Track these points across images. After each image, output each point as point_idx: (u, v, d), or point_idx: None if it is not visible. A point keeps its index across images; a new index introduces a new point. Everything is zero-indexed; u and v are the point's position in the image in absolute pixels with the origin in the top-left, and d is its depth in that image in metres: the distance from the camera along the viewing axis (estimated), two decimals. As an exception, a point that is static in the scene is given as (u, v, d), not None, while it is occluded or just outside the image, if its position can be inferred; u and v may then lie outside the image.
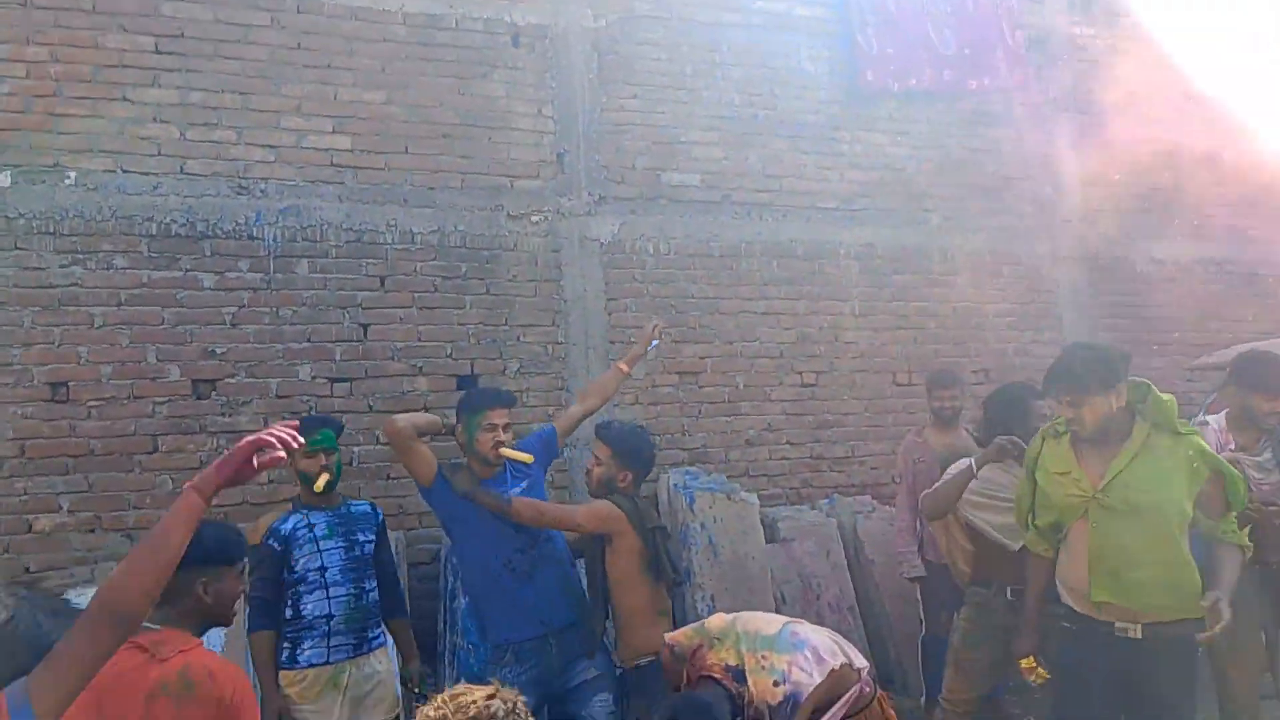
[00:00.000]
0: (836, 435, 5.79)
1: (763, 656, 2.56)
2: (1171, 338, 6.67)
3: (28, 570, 4.21)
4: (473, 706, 1.66)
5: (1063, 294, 6.54)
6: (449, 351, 5.09)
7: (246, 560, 2.33)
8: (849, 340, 5.94)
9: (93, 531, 4.36)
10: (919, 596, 4.70)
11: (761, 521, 5.16)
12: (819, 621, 4.83)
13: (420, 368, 5.01)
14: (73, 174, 4.59)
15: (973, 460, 3.51)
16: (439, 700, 1.69)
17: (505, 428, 3.46)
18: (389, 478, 4.87)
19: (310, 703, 3.19)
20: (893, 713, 2.82)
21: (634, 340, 5.28)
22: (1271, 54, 6.74)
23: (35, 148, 4.54)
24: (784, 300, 5.84)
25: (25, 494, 4.29)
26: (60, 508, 4.33)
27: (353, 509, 3.49)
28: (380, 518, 3.57)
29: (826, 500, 5.61)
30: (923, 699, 4.58)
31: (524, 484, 3.50)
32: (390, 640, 3.54)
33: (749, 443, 5.64)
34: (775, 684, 2.49)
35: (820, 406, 5.81)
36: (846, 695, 2.58)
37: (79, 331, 4.48)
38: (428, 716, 1.67)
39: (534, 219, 5.35)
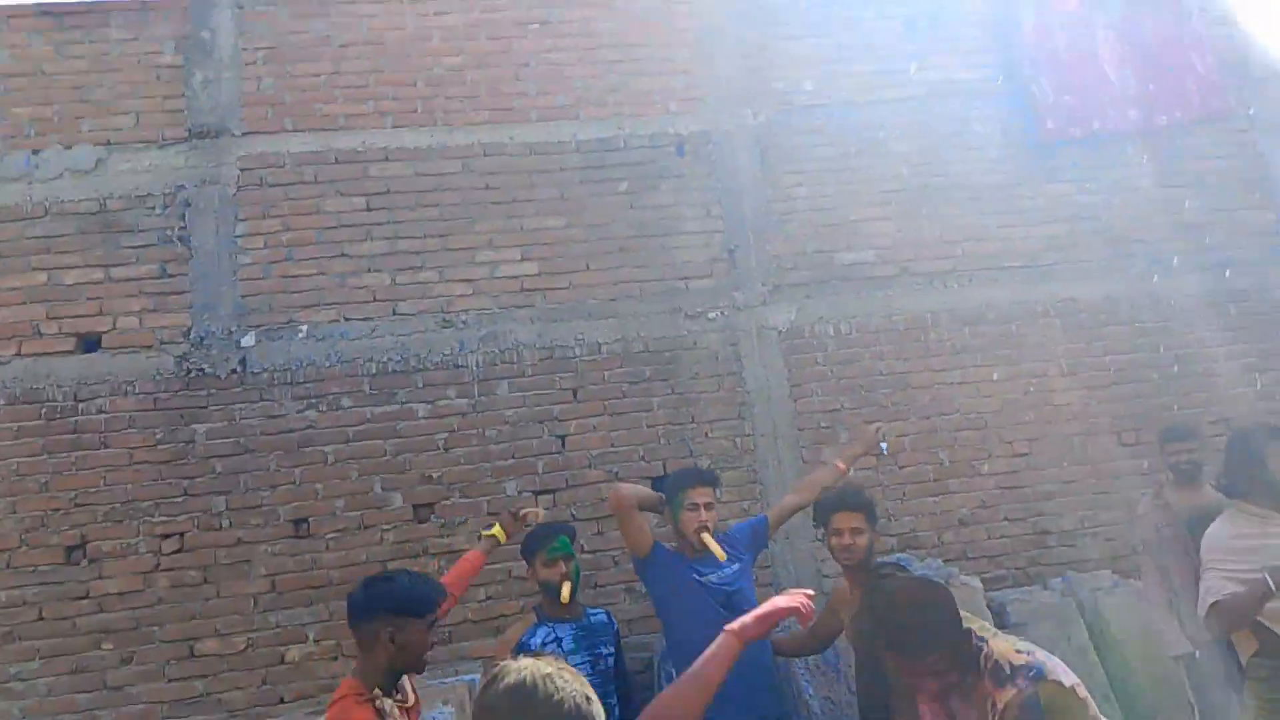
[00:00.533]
0: (1061, 506, 5.37)
1: (1009, 640, 2.50)
2: None
3: (281, 700, 4.58)
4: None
5: (1305, 326, 5.86)
6: (641, 454, 5.20)
7: (435, 615, 2.46)
8: (1061, 403, 5.56)
9: (335, 659, 4.69)
10: (1185, 677, 4.21)
11: (989, 606, 4.82)
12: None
13: (616, 473, 5.14)
14: (304, 327, 5.15)
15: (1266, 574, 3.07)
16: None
17: (708, 506, 3.49)
18: (597, 585, 4.97)
19: None
20: None
21: (819, 427, 5.26)
22: None
23: (274, 308, 5.15)
24: (979, 368, 5.57)
25: (277, 626, 4.71)
26: (307, 638, 4.71)
27: (592, 620, 3.52)
28: (615, 627, 3.59)
29: (1060, 579, 5.17)
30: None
31: (737, 566, 3.51)
32: None
33: (962, 523, 5.34)
34: (1018, 650, 2.40)
35: (1038, 476, 5.42)
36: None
37: (315, 470, 4.95)
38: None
39: (710, 315, 5.44)
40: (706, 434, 5.31)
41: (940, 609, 2.35)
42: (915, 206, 5.77)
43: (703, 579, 3.43)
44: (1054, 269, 5.76)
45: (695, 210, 5.61)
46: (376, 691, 2.34)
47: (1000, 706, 2.32)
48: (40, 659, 4.47)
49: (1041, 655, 2.43)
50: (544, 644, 3.30)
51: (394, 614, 2.27)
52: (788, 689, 4.52)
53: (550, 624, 3.38)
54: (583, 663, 3.30)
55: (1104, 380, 5.62)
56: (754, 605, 3.38)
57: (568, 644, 3.33)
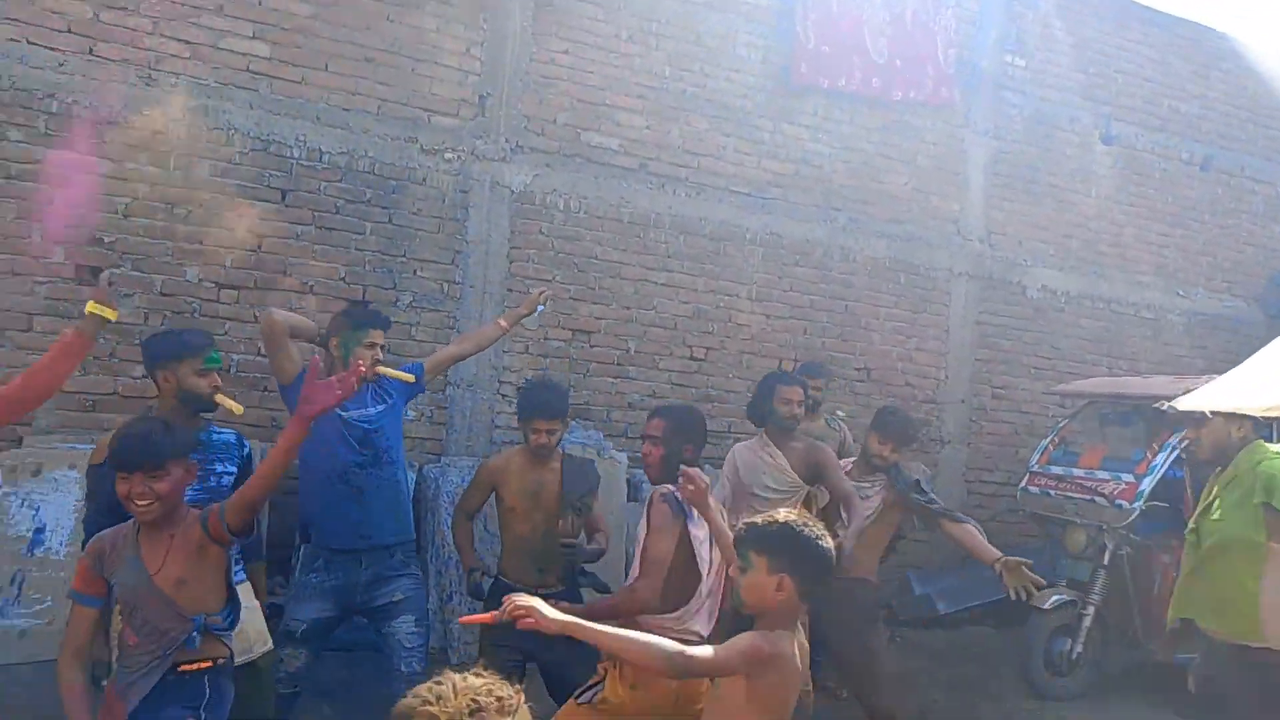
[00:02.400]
0: (717, 410, 5.97)
1: None
2: (1047, 363, 7.05)
3: None
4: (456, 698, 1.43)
5: (955, 308, 6.84)
6: (343, 274, 5.12)
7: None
8: (742, 322, 6.13)
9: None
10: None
11: (628, 481, 5.32)
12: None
13: (311, 286, 5.03)
14: (-26, 37, 4.46)
15: None
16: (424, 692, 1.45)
17: (381, 347, 3.50)
18: (265, 389, 4.89)
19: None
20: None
21: (529, 291, 5.43)
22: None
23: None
24: (684, 275, 5.99)
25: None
26: None
27: (214, 437, 3.17)
28: (247, 450, 3.26)
29: (708, 465, 5.79)
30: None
31: (381, 407, 3.50)
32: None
33: (631, 406, 5.80)
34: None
35: (706, 381, 6.00)
36: None
37: (-42, 198, 4.38)
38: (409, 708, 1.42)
39: (447, 156, 5.38)
40: (415, 271, 5.32)
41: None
42: (668, 108, 5.98)
43: (344, 414, 3.35)
44: (771, 203, 6.26)
45: (456, 44, 5.45)
46: None
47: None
48: None
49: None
50: None
51: None
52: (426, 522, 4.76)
53: None
54: None
55: (783, 311, 6.26)
56: (393, 445, 3.47)
57: None
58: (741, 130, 6.20)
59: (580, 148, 5.75)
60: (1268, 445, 3.48)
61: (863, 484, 3.95)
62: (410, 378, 3.54)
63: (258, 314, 4.74)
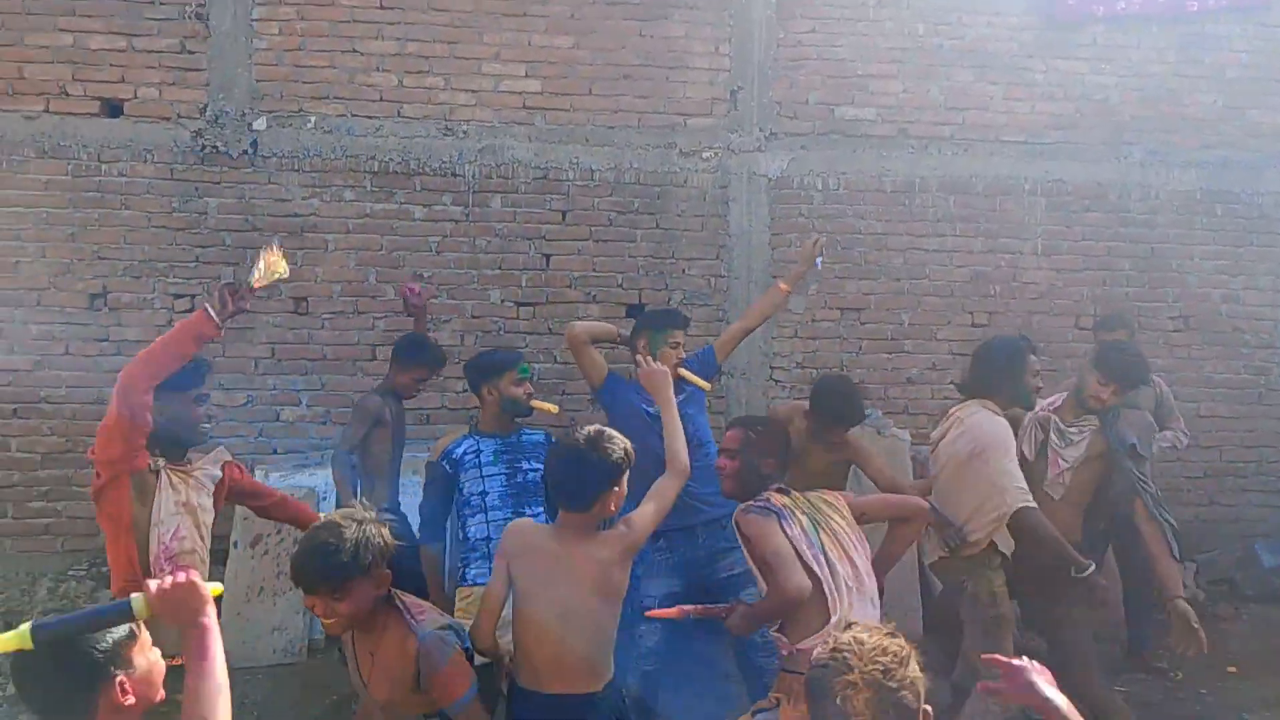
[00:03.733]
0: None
1: (801, 514, 2.82)
2: None
3: (274, 452, 5.19)
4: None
5: (1291, 234, 5.94)
6: (620, 281, 5.53)
7: (199, 388, 2.88)
8: (1028, 280, 5.78)
9: (324, 424, 5.25)
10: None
11: (915, 459, 5.26)
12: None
13: (594, 295, 5.50)
14: (313, 118, 5.39)
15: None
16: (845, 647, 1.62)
17: (682, 347, 3.80)
18: (564, 393, 5.43)
19: (470, 618, 3.34)
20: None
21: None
22: None
23: (285, 95, 5.37)
24: (959, 237, 5.76)
25: (274, 388, 5.26)
26: (300, 402, 5.26)
27: (524, 438, 3.56)
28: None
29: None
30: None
31: (683, 396, 3.64)
32: None
33: (910, 381, 5.71)
34: (781, 504, 2.81)
35: (990, 347, 5.72)
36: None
37: (316, 255, 5.34)
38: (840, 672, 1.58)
39: (704, 155, 5.61)
40: (684, 270, 5.62)
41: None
42: (925, 68, 5.77)
43: (649, 409, 3.57)
44: (1050, 148, 5.82)
45: (704, 45, 5.65)
46: (157, 455, 2.73)
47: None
48: (66, 388, 5.07)
49: (796, 519, 2.76)
50: (465, 454, 3.48)
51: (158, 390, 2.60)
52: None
53: (476, 436, 3.55)
54: (498, 474, 3.46)
55: (1075, 264, 5.81)
56: (700, 432, 3.74)
57: (486, 456, 3.48)
58: (1010, 75, 5.82)
59: (835, 124, 5.73)
60: None
61: (1069, 428, 3.49)
62: (707, 386, 3.81)
63: (564, 327, 5.32)
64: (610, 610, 2.56)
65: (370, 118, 5.41)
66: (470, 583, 3.38)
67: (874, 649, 1.61)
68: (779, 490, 2.90)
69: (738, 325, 4.16)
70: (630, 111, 5.58)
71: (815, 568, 2.65)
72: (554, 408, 3.70)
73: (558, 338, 5.38)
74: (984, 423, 3.37)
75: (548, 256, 5.51)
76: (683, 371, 3.72)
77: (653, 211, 5.57)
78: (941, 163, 5.75)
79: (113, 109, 5.26)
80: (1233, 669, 4.42)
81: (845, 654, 1.60)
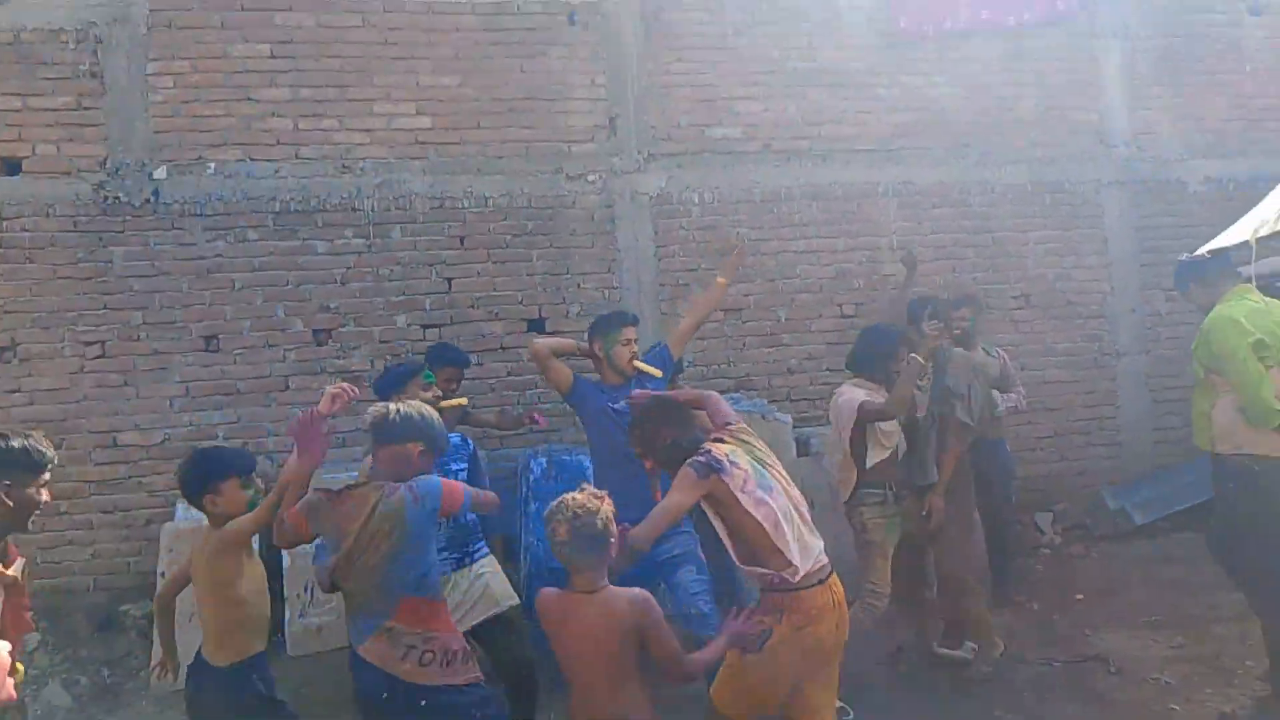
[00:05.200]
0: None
1: (741, 451, 3.05)
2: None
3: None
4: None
5: (1110, 218, 6.75)
6: (520, 299, 5.93)
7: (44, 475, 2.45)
8: (887, 273, 6.42)
9: (244, 452, 5.47)
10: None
11: (797, 440, 5.79)
12: (843, 523, 5.53)
13: (496, 313, 5.88)
14: (213, 165, 5.63)
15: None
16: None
17: (634, 342, 4.12)
18: (473, 407, 5.77)
19: None
20: (841, 592, 3.06)
21: (680, 284, 6.04)
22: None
23: (184, 145, 5.61)
24: (823, 239, 6.36)
25: (190, 424, 5.46)
26: (218, 436, 5.47)
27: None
28: (471, 447, 4.07)
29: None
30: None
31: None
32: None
33: (790, 371, 6.26)
34: (725, 454, 2.96)
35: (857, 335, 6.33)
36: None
37: (223, 294, 5.57)
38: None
39: (590, 179, 6.08)
40: (579, 285, 6.05)
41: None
42: (783, 88, 6.37)
43: (615, 406, 3.94)
44: (898, 154, 6.49)
45: (582, 78, 6.13)
46: None
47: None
48: (-20, 442, 5.17)
49: (740, 466, 2.96)
50: None
51: (12, 469, 2.33)
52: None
53: None
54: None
55: (927, 256, 6.45)
56: None
57: None
58: (859, 91, 6.47)
59: (706, 143, 6.27)
60: (1242, 294, 3.80)
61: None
62: (658, 373, 4.14)
63: (486, 330, 5.67)
64: None
65: (269, 160, 5.69)
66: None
67: (575, 501, 2.66)
68: (715, 440, 3.06)
69: (687, 321, 4.46)
70: (518, 141, 6.00)
71: (770, 500, 2.91)
72: (463, 401, 4.06)
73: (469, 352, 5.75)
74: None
75: (449, 280, 5.87)
76: (638, 364, 4.06)
77: (546, 232, 6.00)
78: (803, 173, 6.36)
79: (10, 167, 5.41)
80: (1080, 596, 5.07)
81: (560, 504, 2.65)
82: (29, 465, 2.35)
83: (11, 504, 2.31)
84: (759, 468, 3.03)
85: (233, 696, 2.90)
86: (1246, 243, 3.73)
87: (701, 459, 2.93)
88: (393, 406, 2.99)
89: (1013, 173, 6.63)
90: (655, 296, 6.09)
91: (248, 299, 5.61)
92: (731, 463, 2.95)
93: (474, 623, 3.62)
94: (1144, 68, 6.82)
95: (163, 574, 4.92)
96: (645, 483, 3.68)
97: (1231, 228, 4.03)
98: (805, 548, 2.93)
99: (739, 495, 2.90)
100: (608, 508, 2.69)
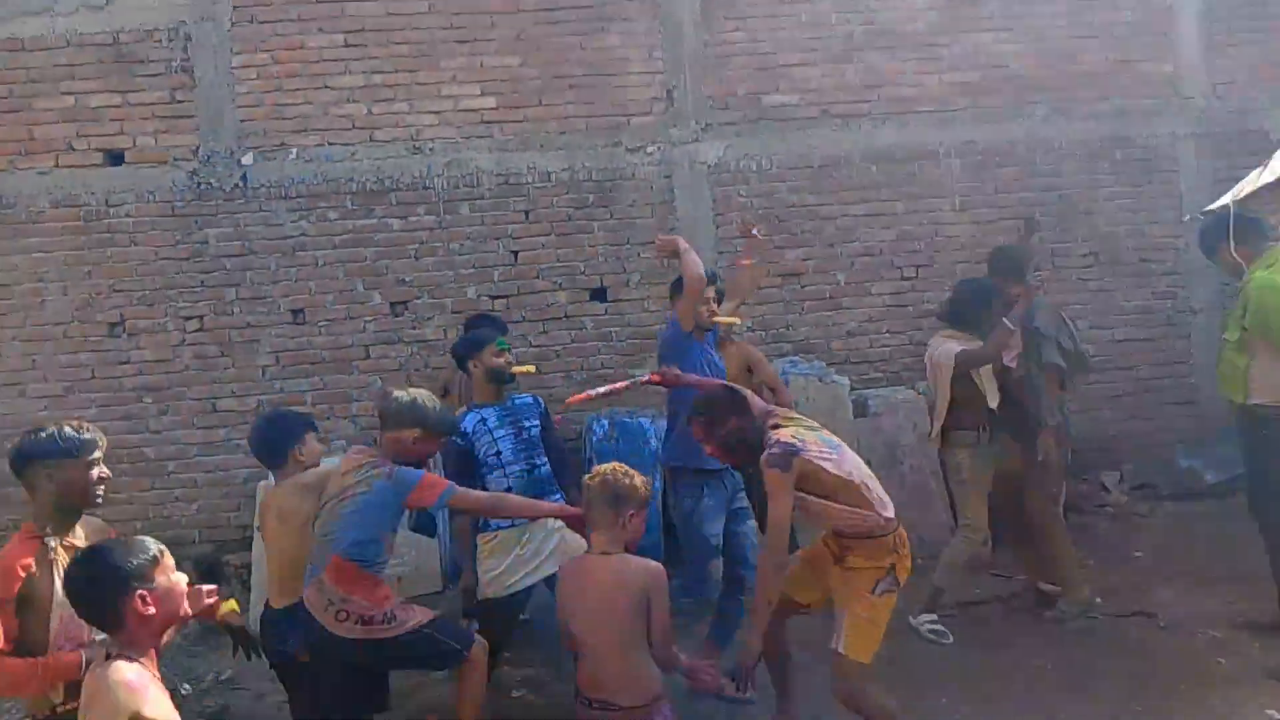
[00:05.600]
0: (937, 323, 6.30)
1: (800, 428, 3.17)
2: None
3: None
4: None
5: (1185, 172, 6.54)
6: (582, 269, 6.16)
7: (92, 455, 2.56)
8: (950, 235, 6.39)
9: (328, 419, 5.88)
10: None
11: (855, 401, 5.88)
12: (899, 482, 5.62)
13: (560, 284, 6.13)
14: (295, 150, 6.02)
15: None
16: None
17: (714, 300, 4.27)
18: (541, 373, 6.05)
19: (496, 558, 3.79)
20: (906, 547, 3.17)
21: (737, 250, 6.16)
22: None
23: (268, 133, 6.01)
24: (883, 202, 6.38)
25: (281, 391, 5.90)
26: (305, 401, 5.90)
27: (516, 402, 4.06)
28: (542, 406, 4.22)
29: (925, 382, 6.20)
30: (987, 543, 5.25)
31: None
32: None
33: (849, 334, 6.33)
34: (792, 436, 3.06)
35: (920, 298, 6.34)
36: (852, 507, 3.05)
37: (308, 270, 5.97)
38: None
39: (648, 150, 6.23)
40: (639, 254, 6.23)
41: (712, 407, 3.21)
42: (840, 52, 6.38)
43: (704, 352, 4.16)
44: (960, 114, 6.43)
45: (639, 52, 6.27)
46: (47, 530, 2.53)
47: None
48: (95, 408, 5.70)
49: (809, 441, 3.05)
50: (474, 425, 3.91)
51: (47, 458, 2.51)
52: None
53: (478, 409, 4.00)
54: (507, 435, 3.96)
55: (991, 216, 6.42)
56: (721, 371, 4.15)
57: (492, 422, 3.94)
58: (918, 52, 6.42)
59: (764, 111, 6.34)
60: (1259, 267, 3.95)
61: None
62: (738, 320, 4.46)
63: (550, 300, 5.91)
64: None
65: (345, 144, 6.04)
66: (494, 529, 3.78)
67: (615, 465, 2.89)
68: (774, 426, 3.12)
69: (730, 305, 4.53)
70: (578, 117, 6.20)
71: (849, 465, 3.09)
72: (532, 368, 4.31)
73: (531, 325, 6.05)
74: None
75: (515, 253, 6.13)
76: (719, 318, 4.24)
77: (606, 204, 6.20)
78: (862, 136, 6.37)
79: (114, 158, 5.90)
80: (1138, 554, 5.04)
81: (600, 467, 2.90)
82: (62, 451, 2.51)
83: (55, 486, 2.51)
84: (819, 433, 3.16)
85: (292, 634, 3.20)
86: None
87: (776, 451, 2.98)
88: (395, 394, 3.22)
89: (1081, 129, 6.49)
90: (714, 264, 6.19)
91: (330, 274, 6.00)
92: (800, 440, 3.04)
93: (549, 573, 3.69)
94: (1223, 12, 6.55)
95: (258, 528, 5.39)
96: None
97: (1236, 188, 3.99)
98: (885, 494, 3.14)
99: (824, 465, 3.01)
100: (643, 481, 2.86)
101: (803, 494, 3.05)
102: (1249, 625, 3.94)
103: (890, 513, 3.10)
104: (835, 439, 3.20)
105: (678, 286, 4.28)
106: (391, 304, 6.05)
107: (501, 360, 4.02)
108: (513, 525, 3.75)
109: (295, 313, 5.97)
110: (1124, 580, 4.69)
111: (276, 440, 3.41)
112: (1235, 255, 3.97)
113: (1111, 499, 5.92)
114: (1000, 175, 6.46)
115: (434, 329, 6.04)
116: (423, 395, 3.23)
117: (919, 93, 6.43)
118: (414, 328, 6.05)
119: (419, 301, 6.06)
